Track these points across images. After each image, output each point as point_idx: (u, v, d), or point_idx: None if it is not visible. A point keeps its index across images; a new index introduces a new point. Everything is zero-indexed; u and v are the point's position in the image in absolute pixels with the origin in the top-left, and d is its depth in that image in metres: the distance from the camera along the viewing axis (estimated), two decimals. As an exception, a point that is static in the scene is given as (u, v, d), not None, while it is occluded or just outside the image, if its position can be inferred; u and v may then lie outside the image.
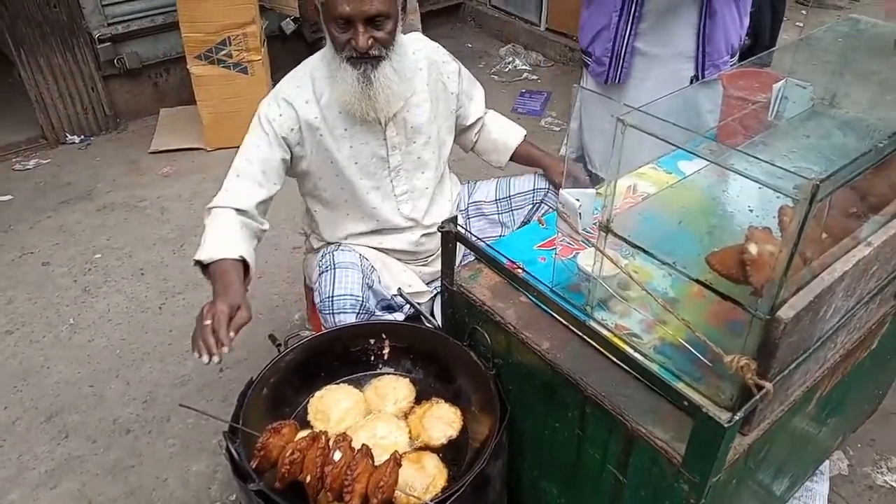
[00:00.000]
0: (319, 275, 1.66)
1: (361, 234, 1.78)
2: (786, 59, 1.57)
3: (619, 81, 2.07)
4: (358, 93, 1.53)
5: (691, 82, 2.07)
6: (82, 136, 3.63)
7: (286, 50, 4.19)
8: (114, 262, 2.73)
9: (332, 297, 1.59)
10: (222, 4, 3.18)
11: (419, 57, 1.69)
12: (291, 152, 1.64)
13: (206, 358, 1.26)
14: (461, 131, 1.91)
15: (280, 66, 4.08)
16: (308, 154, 1.65)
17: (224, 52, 3.30)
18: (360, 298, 1.61)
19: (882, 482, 1.85)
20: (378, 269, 1.75)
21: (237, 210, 1.59)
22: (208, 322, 1.29)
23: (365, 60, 1.50)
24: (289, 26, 4.06)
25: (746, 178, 0.97)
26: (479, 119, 1.91)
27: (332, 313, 1.59)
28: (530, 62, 4.49)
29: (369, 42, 1.47)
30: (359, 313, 1.61)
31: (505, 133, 1.95)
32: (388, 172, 1.71)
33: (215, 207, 1.60)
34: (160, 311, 2.50)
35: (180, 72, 3.72)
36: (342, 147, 1.64)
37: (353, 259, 1.70)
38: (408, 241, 1.80)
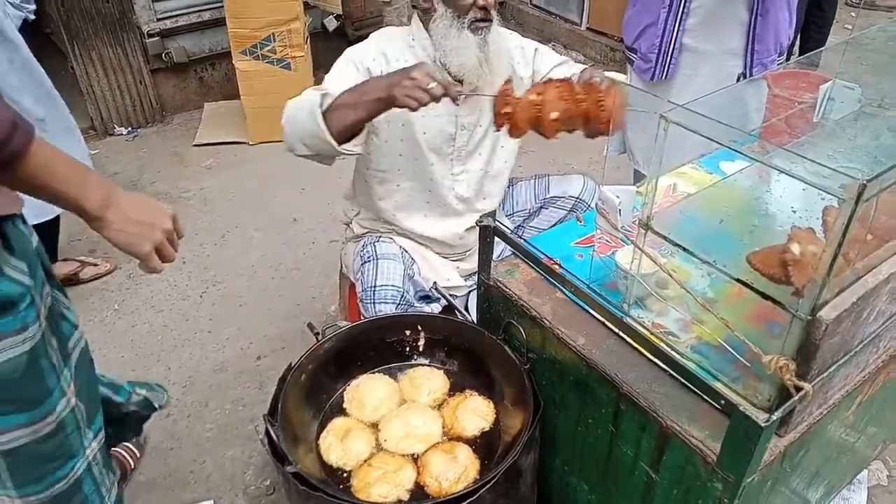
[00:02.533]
0: (362, 265, 1.69)
1: (411, 213, 1.78)
2: (834, 60, 1.55)
3: (665, 78, 2.06)
4: (480, 59, 1.57)
5: (738, 79, 2.05)
6: (130, 128, 3.73)
7: (329, 47, 4.25)
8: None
9: (375, 287, 1.63)
10: (268, 1, 3.24)
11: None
12: None
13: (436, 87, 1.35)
14: None
15: (322, 63, 4.14)
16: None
17: (268, 48, 3.36)
18: (402, 290, 1.64)
19: (923, 495, 1.81)
20: (418, 261, 1.78)
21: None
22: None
23: (482, 25, 1.56)
24: (331, 23, 4.12)
25: (791, 176, 0.96)
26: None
27: (374, 303, 1.62)
28: (570, 62, 4.46)
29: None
30: (399, 304, 1.63)
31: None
32: (452, 150, 1.73)
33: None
34: (201, 299, 2.56)
35: (225, 67, 3.80)
36: (416, 114, 1.60)
37: (394, 250, 1.72)
38: (452, 232, 1.80)
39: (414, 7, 1.66)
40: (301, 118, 1.48)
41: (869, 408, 1.34)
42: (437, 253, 1.85)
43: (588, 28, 4.56)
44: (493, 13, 1.58)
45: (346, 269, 1.95)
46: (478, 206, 1.81)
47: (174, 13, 3.71)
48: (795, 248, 0.96)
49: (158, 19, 3.68)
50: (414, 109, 1.39)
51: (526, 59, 1.77)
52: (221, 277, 2.67)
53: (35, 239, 1.10)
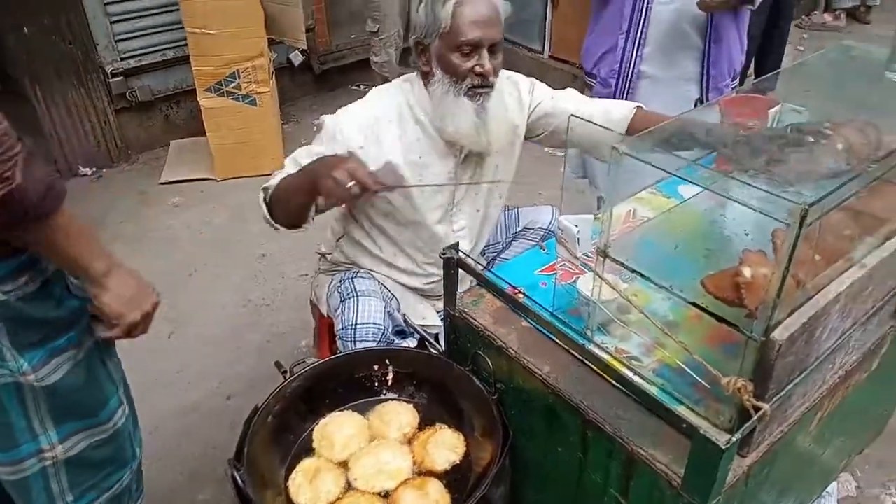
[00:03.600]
0: (341, 302, 1.68)
1: (406, 267, 1.78)
2: (781, 84, 1.61)
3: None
4: (477, 125, 1.55)
5: (696, 104, 2.11)
6: (94, 169, 3.70)
7: (294, 82, 4.28)
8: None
9: (356, 325, 1.61)
10: (231, 38, 3.26)
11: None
12: None
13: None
14: (551, 135, 1.81)
15: (289, 98, 4.18)
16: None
17: (233, 85, 3.37)
18: (382, 327, 1.63)
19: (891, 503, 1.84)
20: (397, 297, 1.77)
21: None
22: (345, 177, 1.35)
23: (481, 92, 1.54)
24: (297, 58, 4.15)
25: (739, 203, 0.99)
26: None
27: (354, 341, 1.61)
28: (534, 90, 4.54)
29: (492, 66, 1.52)
30: (379, 342, 1.62)
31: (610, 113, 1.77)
32: (452, 206, 1.72)
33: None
34: (168, 339, 2.52)
35: (190, 104, 3.80)
36: (413, 173, 1.63)
37: (374, 287, 1.71)
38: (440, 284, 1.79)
39: (407, 66, 1.65)
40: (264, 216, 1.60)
41: (831, 422, 1.37)
42: (416, 293, 1.85)
43: (551, 56, 4.66)
44: (494, 79, 1.56)
45: (317, 300, 1.93)
46: (471, 251, 1.83)
47: (138, 52, 3.71)
48: (747, 272, 0.98)
49: (122, 59, 3.67)
50: (335, 205, 1.48)
51: (521, 104, 1.74)
52: (189, 316, 2.64)
53: None
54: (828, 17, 5.68)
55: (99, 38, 3.55)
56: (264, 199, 1.57)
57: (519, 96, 1.74)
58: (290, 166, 1.59)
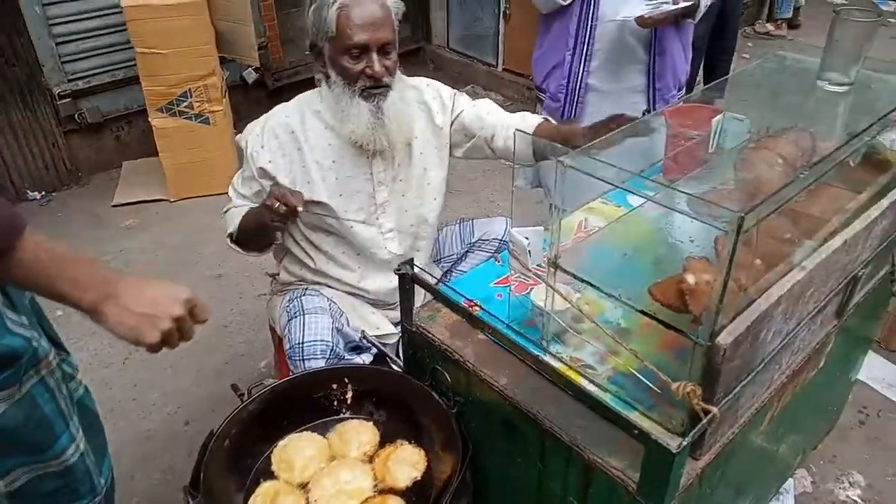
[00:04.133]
0: (289, 321, 1.67)
1: (343, 270, 1.78)
2: (722, 94, 1.66)
3: (574, 117, 2.15)
4: (373, 125, 1.57)
5: (644, 115, 2.16)
6: (43, 193, 3.60)
7: (248, 99, 4.25)
8: (76, 317, 2.66)
9: (303, 343, 1.60)
10: (182, 58, 3.23)
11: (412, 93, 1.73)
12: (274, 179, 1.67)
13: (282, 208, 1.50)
14: (474, 147, 1.81)
15: (243, 115, 4.14)
16: (296, 181, 1.67)
17: (185, 104, 3.33)
18: (331, 343, 1.62)
19: (845, 497, 1.89)
20: (347, 312, 1.76)
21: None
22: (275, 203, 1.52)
23: (376, 92, 1.56)
24: (250, 76, 4.12)
25: (680, 213, 1.02)
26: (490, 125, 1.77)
27: (303, 359, 1.60)
28: (490, 102, 4.60)
29: (382, 67, 1.54)
30: (328, 358, 1.61)
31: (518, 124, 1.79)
32: (375, 209, 1.72)
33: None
34: (124, 365, 2.46)
35: (142, 124, 3.74)
36: (328, 178, 1.66)
37: (321, 304, 1.70)
38: (385, 287, 1.79)
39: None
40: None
41: (782, 421, 1.41)
42: (367, 302, 1.84)
43: (504, 69, 4.72)
44: (391, 79, 1.57)
45: (274, 323, 1.92)
46: (411, 256, 1.82)
47: (86, 73, 3.64)
48: (690, 278, 1.01)
49: (69, 80, 3.60)
50: (283, 227, 1.61)
51: (444, 108, 1.76)
52: (146, 341, 2.57)
53: (29, 294, 1.11)
54: (770, 27, 5.91)
55: (45, 59, 3.48)
56: (232, 241, 1.75)
57: (442, 101, 1.76)
58: (234, 198, 1.75)
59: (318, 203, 1.67)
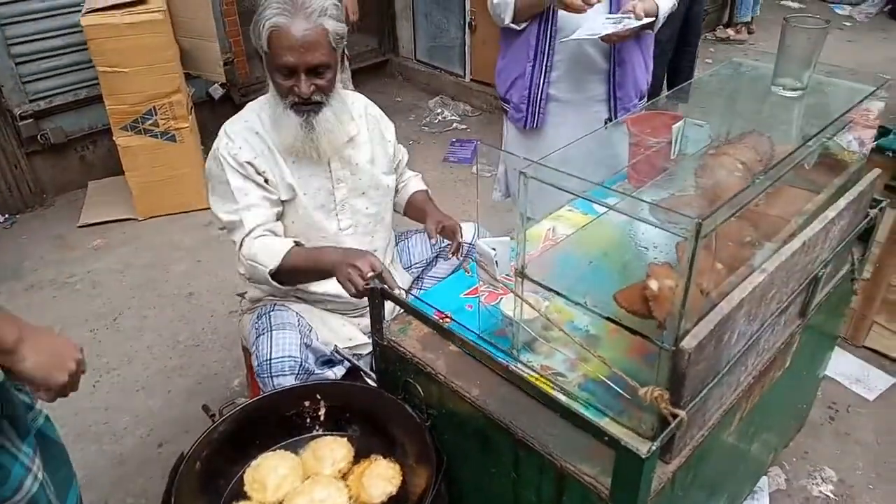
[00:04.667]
0: (257, 338, 1.65)
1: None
2: (682, 101, 1.69)
3: (536, 127, 2.17)
4: (301, 136, 1.60)
5: (605, 124, 2.18)
6: (6, 215, 3.53)
7: (216, 115, 4.20)
8: (43, 342, 2.63)
9: (271, 359, 1.58)
10: (146, 75, 3.19)
11: (357, 105, 1.79)
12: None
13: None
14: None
15: (211, 132, 4.08)
16: (277, 179, 1.68)
17: (150, 122, 3.29)
18: (299, 359, 1.60)
19: (818, 493, 1.92)
20: (316, 327, 1.75)
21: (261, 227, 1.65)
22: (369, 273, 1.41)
23: (307, 107, 1.58)
24: (217, 91, 4.09)
25: (640, 220, 1.04)
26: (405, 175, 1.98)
27: (271, 377, 1.58)
28: (458, 112, 4.62)
29: (311, 89, 1.56)
30: (297, 374, 1.60)
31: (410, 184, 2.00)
32: (335, 206, 1.74)
33: (247, 240, 1.64)
34: (94, 388, 2.41)
35: (107, 143, 3.68)
36: (295, 177, 1.68)
37: (289, 319, 1.69)
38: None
39: None
40: (259, 277, 1.63)
41: (752, 421, 1.43)
42: (335, 312, 1.83)
43: (472, 79, 4.75)
44: (323, 97, 1.59)
45: (245, 341, 1.90)
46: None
47: (48, 93, 3.58)
48: (654, 284, 1.02)
49: (31, 101, 3.53)
50: (352, 295, 1.45)
51: (388, 130, 1.85)
52: (116, 363, 2.53)
53: None
54: (731, 32, 6.04)
55: (4, 80, 3.42)
56: (270, 274, 1.59)
57: (386, 124, 1.85)
58: (243, 216, 1.63)
59: (291, 201, 1.69)
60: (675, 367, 0.99)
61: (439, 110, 4.64)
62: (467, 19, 4.58)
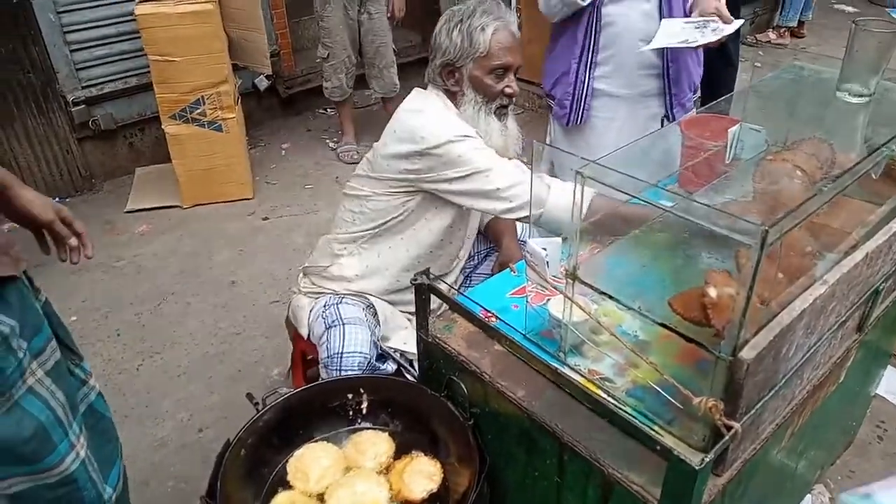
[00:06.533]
0: (326, 329, 1.68)
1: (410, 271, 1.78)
2: (738, 105, 1.65)
3: (579, 123, 2.15)
4: (502, 142, 1.70)
5: (662, 122, 2.15)
6: (57, 199, 3.62)
7: (261, 106, 4.27)
8: (90, 323, 2.70)
9: (342, 353, 1.61)
10: (195, 65, 3.24)
11: None
12: None
13: None
14: None
15: (255, 122, 4.16)
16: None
17: (198, 111, 3.34)
18: (368, 356, 1.64)
19: (864, 513, 1.86)
20: (383, 322, 1.78)
21: None
22: None
23: (505, 111, 1.70)
24: (262, 83, 4.14)
25: (701, 224, 1.01)
26: None
27: (340, 370, 1.62)
28: (501, 110, 4.60)
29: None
30: (364, 370, 1.63)
31: None
32: (466, 210, 1.81)
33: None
34: (137, 371, 2.47)
35: (155, 131, 3.76)
36: None
37: (359, 314, 1.72)
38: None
39: (430, 83, 1.74)
40: (562, 216, 1.60)
41: (802, 436, 1.39)
42: (406, 313, 1.84)
43: (517, 78, 4.71)
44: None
45: (296, 321, 1.89)
46: (458, 264, 1.89)
47: (100, 80, 3.67)
48: (712, 292, 1.00)
49: (83, 87, 3.63)
50: None
51: None
52: (159, 347, 2.59)
53: (42, 298, 1.19)
54: (772, 35, 5.91)
55: (59, 66, 3.51)
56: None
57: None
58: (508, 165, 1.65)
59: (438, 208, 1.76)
60: (731, 377, 0.96)
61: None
62: (513, 17, 4.55)
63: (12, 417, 1.04)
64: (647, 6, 1.98)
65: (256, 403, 1.41)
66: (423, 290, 1.35)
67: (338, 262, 1.83)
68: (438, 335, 1.38)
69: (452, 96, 1.70)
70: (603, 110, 2.14)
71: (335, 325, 1.67)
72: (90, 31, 3.57)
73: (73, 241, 1.31)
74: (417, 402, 1.41)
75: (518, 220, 1.71)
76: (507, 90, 1.67)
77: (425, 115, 1.67)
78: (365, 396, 1.46)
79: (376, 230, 1.78)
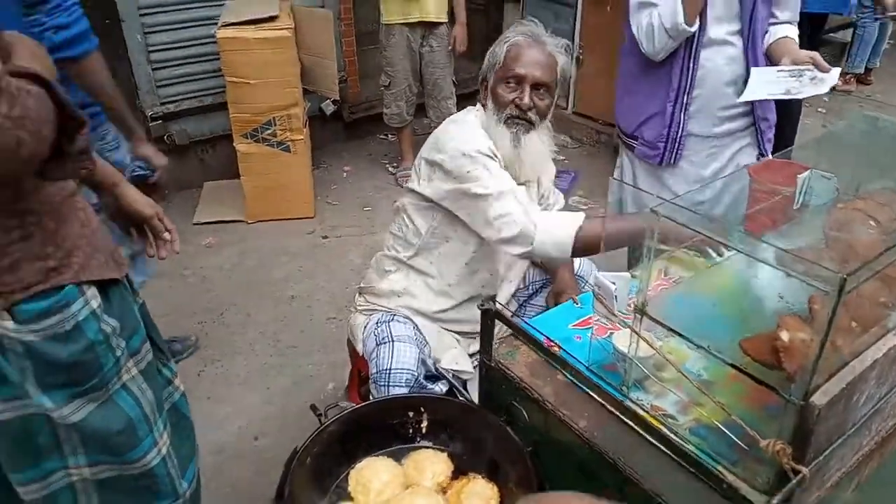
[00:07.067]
0: (377, 346, 1.73)
1: (455, 295, 1.85)
2: (809, 151, 1.65)
3: (673, 162, 2.16)
4: (510, 151, 1.69)
5: (758, 158, 2.16)
6: (130, 207, 3.80)
7: (325, 129, 4.41)
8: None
9: (390, 370, 1.66)
10: (269, 88, 3.39)
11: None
12: None
13: None
14: None
15: (319, 144, 4.30)
16: None
17: (269, 132, 3.49)
18: (415, 374, 1.68)
19: (925, 576, 1.80)
20: (431, 342, 1.82)
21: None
22: None
23: (519, 123, 1.68)
24: (329, 108, 4.28)
25: (776, 269, 1.03)
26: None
27: (388, 386, 1.66)
28: (557, 143, 4.62)
29: (531, 103, 1.67)
30: (412, 388, 1.67)
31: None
32: None
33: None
34: (198, 377, 2.56)
35: (225, 148, 3.92)
36: None
37: (409, 332, 1.77)
38: (476, 319, 1.86)
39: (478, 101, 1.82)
40: (550, 252, 1.67)
41: (868, 488, 1.37)
42: (453, 332, 1.89)
43: (574, 112, 4.77)
44: (536, 118, 1.69)
45: (354, 340, 1.96)
46: (504, 286, 1.89)
47: (177, 98, 3.86)
48: (785, 336, 1.01)
49: (161, 104, 3.82)
50: None
51: (545, 185, 1.95)
52: (219, 355, 2.68)
53: (139, 301, 1.27)
54: (839, 81, 5.81)
55: (141, 83, 3.71)
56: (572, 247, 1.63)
57: (544, 175, 1.93)
58: (511, 198, 1.64)
59: None
60: (802, 422, 0.97)
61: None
62: (575, 53, 4.61)
63: (106, 411, 1.12)
64: (733, 51, 2.01)
65: (320, 414, 1.47)
66: (490, 316, 1.39)
67: (388, 278, 1.89)
68: (501, 360, 1.41)
69: (486, 110, 1.75)
70: (691, 149, 2.15)
71: (385, 343, 1.73)
72: (172, 52, 3.77)
73: (167, 236, 1.41)
74: (477, 424, 1.44)
75: (510, 252, 1.68)
76: (517, 100, 1.67)
77: (456, 126, 1.76)
78: (425, 415, 1.49)
79: (417, 246, 1.83)
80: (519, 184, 1.73)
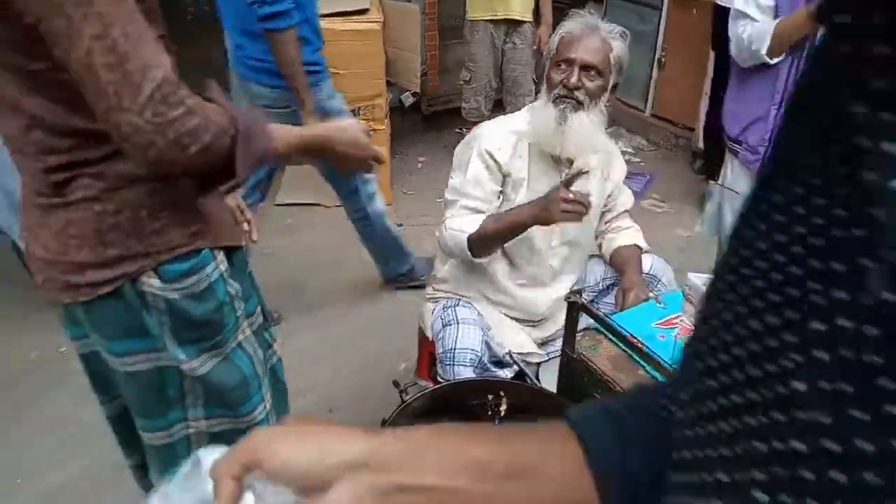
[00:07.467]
0: (443, 327, 1.81)
1: (504, 281, 1.90)
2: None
3: None
4: (553, 128, 1.71)
5: None
6: (217, 186, 3.98)
7: (404, 121, 4.52)
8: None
9: (455, 349, 1.73)
10: (355, 78, 3.49)
11: (604, 145, 1.87)
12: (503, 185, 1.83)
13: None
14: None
15: (398, 136, 4.40)
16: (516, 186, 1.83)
17: (353, 121, 3.59)
18: (479, 354, 1.75)
19: None
20: (494, 327, 1.88)
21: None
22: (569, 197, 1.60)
23: (567, 101, 1.70)
24: (408, 100, 4.38)
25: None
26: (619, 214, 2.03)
27: (453, 364, 1.73)
28: (633, 145, 4.62)
29: (579, 83, 1.69)
30: (475, 367, 1.74)
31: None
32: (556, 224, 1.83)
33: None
34: (280, 347, 2.68)
35: (308, 134, 4.05)
36: (523, 189, 1.81)
37: (473, 316, 1.84)
38: (536, 302, 1.92)
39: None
40: (453, 250, 1.82)
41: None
42: (513, 318, 1.94)
43: (652, 115, 4.73)
44: (585, 99, 1.70)
45: (424, 328, 2.05)
46: (562, 277, 1.91)
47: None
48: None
49: (252, 91, 3.98)
50: (575, 220, 1.65)
51: (614, 180, 1.96)
52: (295, 331, 2.80)
53: (250, 268, 1.36)
54: None
55: (231, 76, 3.87)
56: (468, 248, 1.76)
57: (617, 169, 1.96)
58: (467, 201, 1.79)
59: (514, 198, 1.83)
60: None
61: (613, 140, 4.66)
62: (657, 55, 4.57)
63: (225, 367, 1.22)
64: None
65: (402, 391, 1.55)
66: (575, 308, 1.44)
67: (450, 263, 1.98)
68: (584, 353, 1.46)
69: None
70: None
71: (451, 324, 1.81)
72: (265, 39, 3.92)
73: (246, 227, 1.53)
74: (555, 413, 1.48)
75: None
76: (564, 81, 1.69)
77: (497, 117, 1.90)
78: (504, 399, 1.55)
79: None
80: (558, 159, 1.79)
